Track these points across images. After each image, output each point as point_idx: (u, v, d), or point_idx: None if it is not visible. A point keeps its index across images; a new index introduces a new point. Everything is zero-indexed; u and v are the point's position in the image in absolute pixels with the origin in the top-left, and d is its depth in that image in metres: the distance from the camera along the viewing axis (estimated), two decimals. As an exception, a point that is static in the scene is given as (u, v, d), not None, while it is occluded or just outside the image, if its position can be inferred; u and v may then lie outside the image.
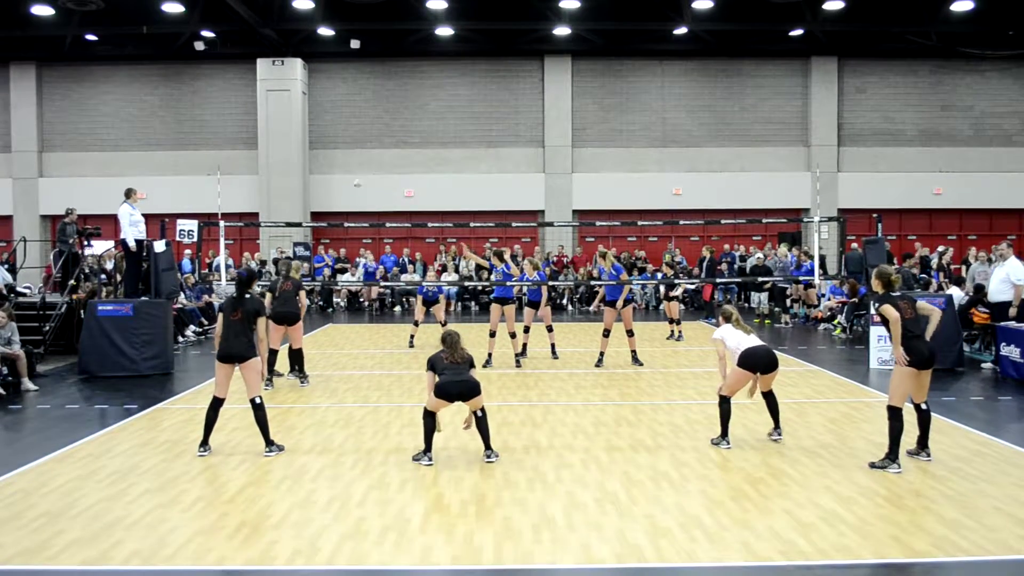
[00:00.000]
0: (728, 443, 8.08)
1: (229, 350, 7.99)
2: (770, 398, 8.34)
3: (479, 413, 7.74)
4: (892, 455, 7.20)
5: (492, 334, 13.15)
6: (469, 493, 6.67)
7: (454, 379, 7.57)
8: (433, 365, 7.71)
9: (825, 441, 8.25)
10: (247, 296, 8.21)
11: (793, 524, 5.90)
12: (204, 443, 8.03)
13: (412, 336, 15.58)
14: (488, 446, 7.75)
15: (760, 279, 19.87)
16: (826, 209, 23.17)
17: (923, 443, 7.52)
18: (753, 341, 8.13)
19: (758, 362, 8.03)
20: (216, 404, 8.07)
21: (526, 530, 5.84)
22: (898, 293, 7.44)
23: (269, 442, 7.99)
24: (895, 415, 7.22)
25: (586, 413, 9.67)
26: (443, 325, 15.80)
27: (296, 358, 11.68)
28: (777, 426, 8.40)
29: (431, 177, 25.60)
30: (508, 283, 13.24)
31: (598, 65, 25.85)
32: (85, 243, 15.70)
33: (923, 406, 7.44)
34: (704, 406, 9.93)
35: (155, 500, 6.54)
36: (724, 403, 8.17)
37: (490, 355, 13.03)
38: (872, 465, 7.27)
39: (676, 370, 12.68)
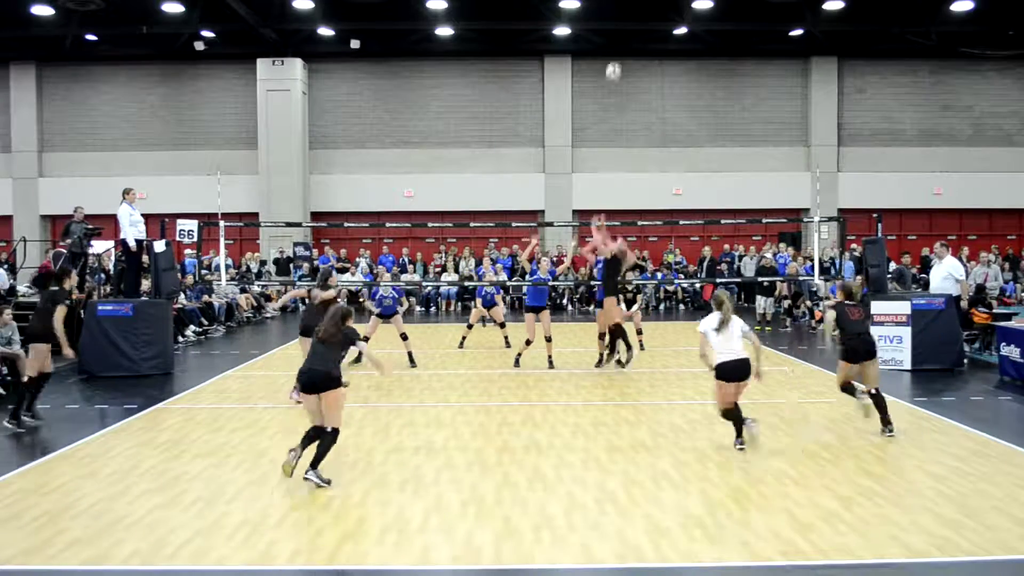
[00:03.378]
0: (742, 442, 7.95)
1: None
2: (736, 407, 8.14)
3: (328, 429, 6.85)
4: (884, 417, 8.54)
5: (528, 342, 12.81)
6: (469, 493, 6.66)
7: (304, 368, 7.03)
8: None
9: (825, 441, 8.25)
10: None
11: (793, 524, 5.90)
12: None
13: (464, 337, 15.30)
14: (313, 465, 6.79)
15: (765, 280, 18.73)
16: (826, 209, 23.14)
17: (884, 422, 8.48)
18: (730, 350, 7.94)
19: (732, 375, 7.92)
20: None
21: (526, 530, 5.84)
22: (853, 302, 8.87)
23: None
24: (845, 390, 8.80)
25: (586, 413, 9.66)
26: (502, 327, 15.28)
27: None
28: (747, 424, 8.13)
29: (431, 177, 25.59)
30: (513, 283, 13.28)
31: (598, 65, 25.67)
32: (86, 243, 15.65)
33: (872, 391, 8.51)
34: (704, 406, 9.93)
35: (155, 500, 6.54)
36: (727, 415, 8.05)
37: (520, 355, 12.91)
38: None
39: (676, 370, 12.67)
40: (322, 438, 6.87)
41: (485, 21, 23.85)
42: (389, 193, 25.41)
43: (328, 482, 6.80)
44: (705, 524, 5.92)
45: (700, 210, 24.18)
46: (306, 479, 6.76)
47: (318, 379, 6.86)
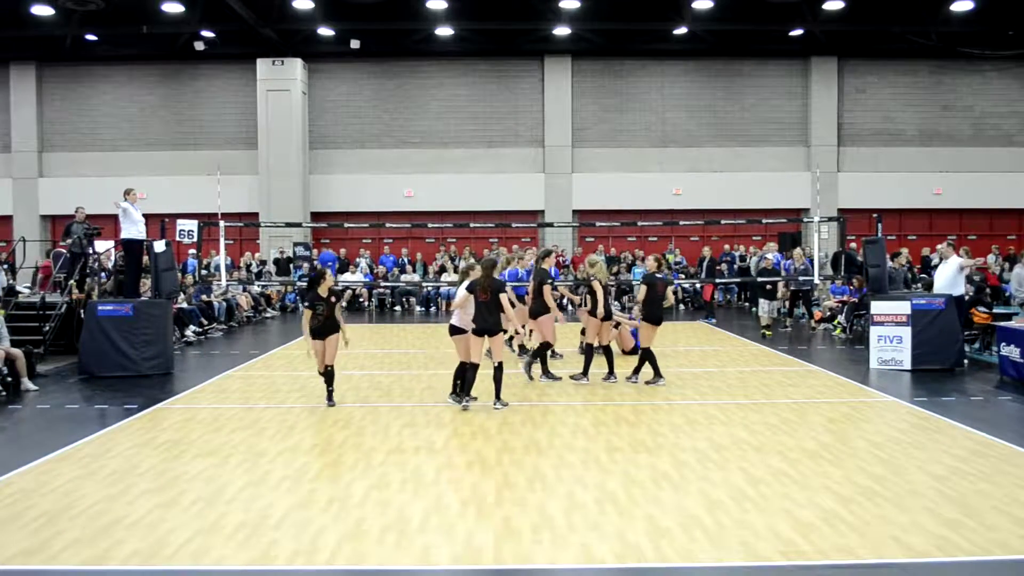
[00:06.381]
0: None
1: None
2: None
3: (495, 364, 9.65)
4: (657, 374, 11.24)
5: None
6: (469, 493, 6.66)
7: (478, 322, 9.66)
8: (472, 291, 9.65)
9: (825, 441, 8.24)
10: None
11: (793, 524, 5.90)
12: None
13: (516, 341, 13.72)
14: (497, 396, 9.74)
15: (766, 281, 16.94)
16: (826, 209, 23.16)
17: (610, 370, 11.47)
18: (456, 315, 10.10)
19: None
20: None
21: (526, 530, 5.84)
22: (662, 276, 11.51)
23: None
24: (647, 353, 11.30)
25: (586, 413, 9.67)
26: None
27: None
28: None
29: (431, 177, 25.61)
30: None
31: (598, 65, 25.85)
32: (86, 243, 15.63)
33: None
34: (704, 406, 9.94)
35: (155, 500, 6.54)
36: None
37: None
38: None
39: (676, 370, 12.65)
40: (494, 374, 9.75)
41: (485, 21, 23.87)
42: (389, 193, 25.42)
43: (506, 404, 9.71)
44: (705, 524, 5.91)
45: (700, 210, 24.20)
46: (496, 408, 9.56)
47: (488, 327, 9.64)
